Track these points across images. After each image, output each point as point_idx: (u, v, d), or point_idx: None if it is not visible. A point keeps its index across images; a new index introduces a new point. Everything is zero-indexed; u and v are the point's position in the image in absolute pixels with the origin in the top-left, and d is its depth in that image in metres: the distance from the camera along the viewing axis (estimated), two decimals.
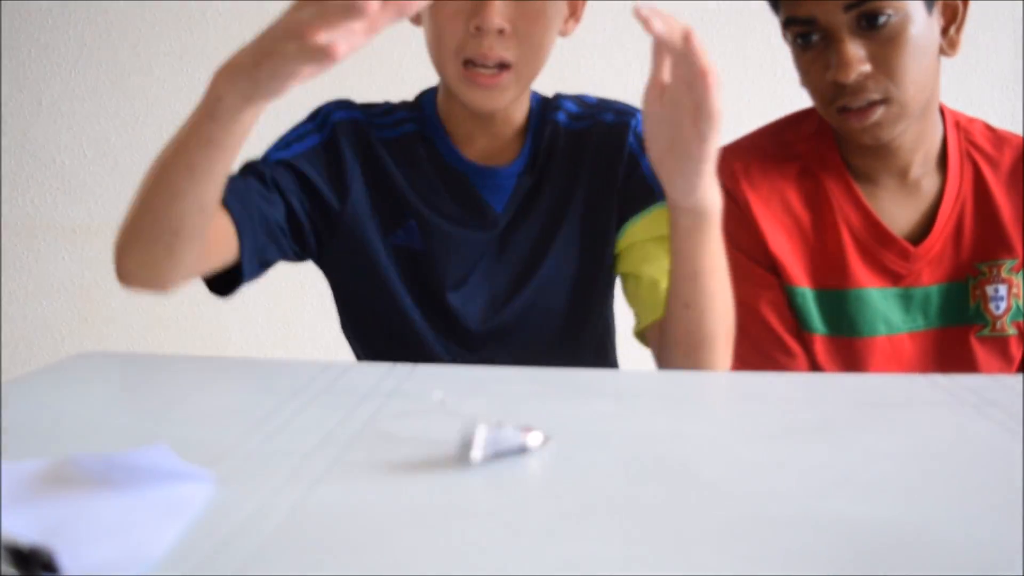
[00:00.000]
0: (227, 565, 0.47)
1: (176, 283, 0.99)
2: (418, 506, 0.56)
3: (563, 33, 1.20)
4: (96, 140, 2.53)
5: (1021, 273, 1.28)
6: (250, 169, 1.14)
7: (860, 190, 1.28)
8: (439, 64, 1.17)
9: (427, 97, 1.27)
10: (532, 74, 1.17)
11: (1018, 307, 1.28)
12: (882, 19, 1.15)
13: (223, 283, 1.08)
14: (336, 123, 1.21)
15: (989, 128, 1.34)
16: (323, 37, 0.77)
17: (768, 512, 0.56)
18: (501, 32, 1.11)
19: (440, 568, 0.48)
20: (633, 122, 1.24)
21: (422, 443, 0.68)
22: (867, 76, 1.16)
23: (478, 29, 1.10)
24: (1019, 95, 2.51)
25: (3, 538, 0.45)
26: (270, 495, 0.57)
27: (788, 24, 1.21)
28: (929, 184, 1.29)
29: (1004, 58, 2.51)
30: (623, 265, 1.22)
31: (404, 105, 1.27)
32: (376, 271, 1.20)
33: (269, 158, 1.17)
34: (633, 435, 0.70)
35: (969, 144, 1.30)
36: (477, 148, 1.22)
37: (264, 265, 1.12)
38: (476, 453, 0.63)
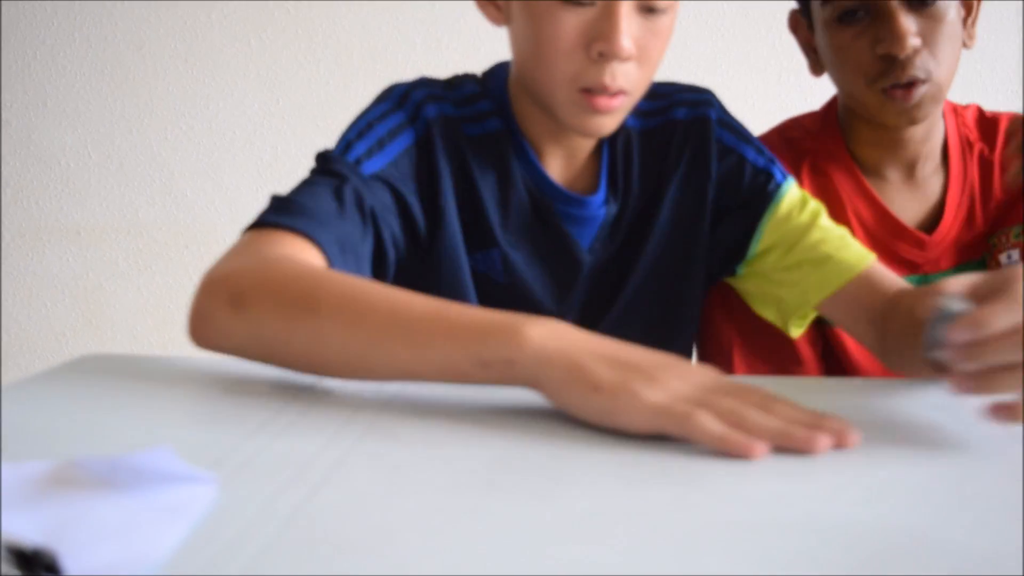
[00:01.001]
0: (230, 567, 0.47)
1: None
2: (422, 508, 0.56)
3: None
4: (100, 142, 2.53)
5: None
6: (345, 182, 0.99)
7: (869, 184, 1.29)
8: (542, 85, 1.03)
9: (497, 81, 1.13)
10: (643, 92, 1.06)
11: None
12: None
13: None
14: (430, 120, 1.07)
15: (981, 112, 1.36)
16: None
17: (771, 515, 0.56)
18: (629, 59, 0.98)
19: (444, 570, 0.47)
20: (712, 112, 1.15)
21: (426, 445, 0.68)
22: (917, 51, 1.17)
23: (602, 55, 0.97)
24: (1019, 92, 2.52)
25: (5, 539, 0.45)
26: (273, 498, 0.57)
27: None
28: (934, 178, 1.30)
29: (1009, 61, 2.51)
30: (778, 262, 1.13)
31: (483, 90, 1.12)
32: (457, 293, 1.08)
33: (362, 165, 1.02)
34: (631, 438, 0.70)
35: (966, 130, 1.32)
36: (557, 162, 1.12)
37: None
38: None
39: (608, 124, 1.03)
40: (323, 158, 1.04)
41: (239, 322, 0.82)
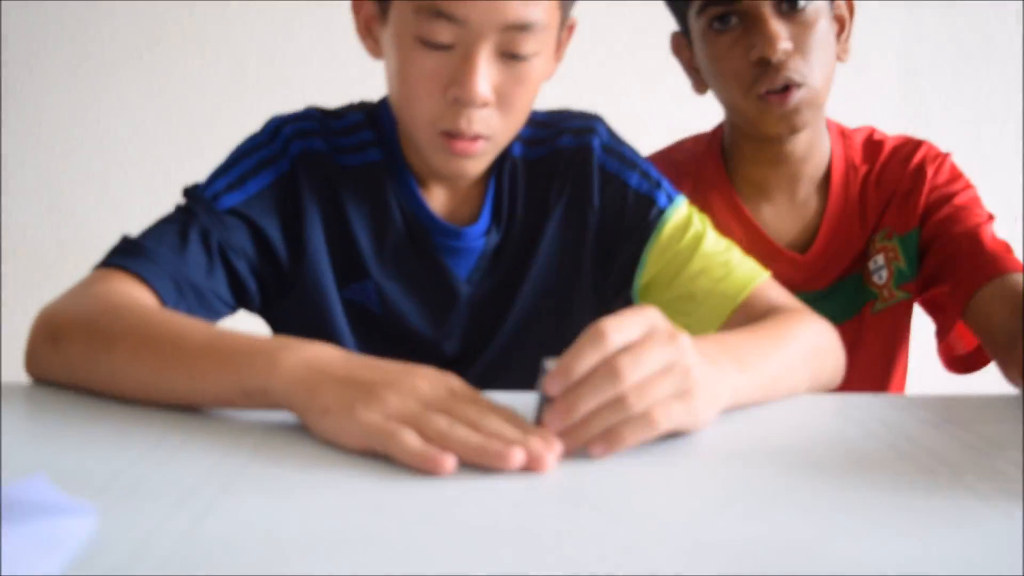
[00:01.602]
0: None
1: None
2: (308, 535, 0.55)
3: (545, 77, 1.07)
4: None
5: (894, 238, 1.32)
6: (193, 220, 1.02)
7: (745, 206, 1.32)
8: (406, 123, 1.05)
9: (387, 111, 1.12)
10: (511, 137, 1.06)
11: (900, 270, 1.32)
12: (801, 3, 1.20)
13: None
14: (296, 156, 1.08)
15: (870, 135, 1.39)
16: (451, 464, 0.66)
17: (662, 532, 0.56)
18: (485, 105, 0.98)
19: None
20: (596, 140, 1.14)
21: (314, 470, 0.67)
22: (789, 55, 1.20)
23: (457, 100, 0.97)
24: (903, 119, 2.59)
25: None
26: (156, 527, 0.55)
27: (707, 6, 1.24)
28: (816, 198, 1.34)
29: (891, 83, 2.58)
30: (662, 294, 1.13)
31: (367, 119, 1.13)
32: (326, 324, 1.10)
33: (218, 201, 1.04)
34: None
35: (852, 152, 1.36)
36: (440, 192, 1.12)
37: None
38: None
39: (471, 167, 1.03)
40: (186, 192, 1.07)
41: (55, 356, 0.89)
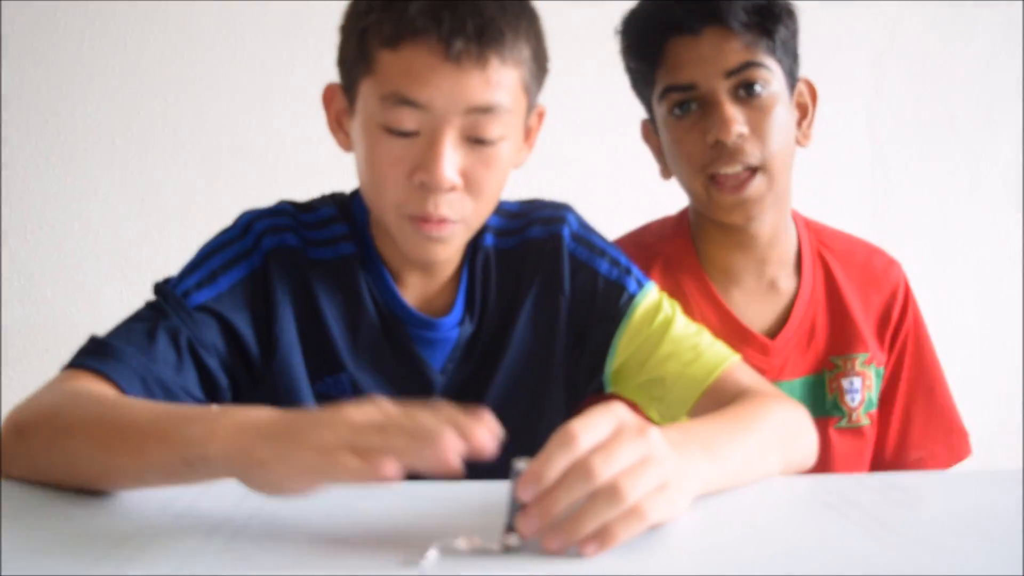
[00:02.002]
0: None
1: None
2: None
3: (516, 165, 1.07)
4: None
5: (872, 366, 1.34)
6: (162, 317, 1.02)
7: (716, 289, 1.33)
8: (376, 210, 1.06)
9: (359, 203, 1.13)
10: (481, 221, 1.07)
11: (870, 399, 1.34)
12: (757, 87, 1.23)
13: None
14: (268, 252, 1.08)
15: (838, 232, 1.43)
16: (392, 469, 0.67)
17: None
18: (452, 189, 0.99)
19: None
20: (566, 229, 1.16)
21: (282, 568, 0.66)
22: (745, 139, 1.22)
23: (423, 185, 0.98)
24: (872, 197, 2.62)
25: None
26: None
27: (665, 93, 1.26)
28: (786, 284, 1.35)
29: (859, 162, 2.62)
30: (633, 379, 1.14)
31: (340, 212, 1.13)
32: None
33: (189, 298, 1.04)
34: (491, 549, 0.69)
35: (821, 245, 1.38)
36: (414, 284, 1.12)
37: None
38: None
39: (441, 251, 1.04)
40: (156, 288, 1.07)
41: (20, 450, 0.88)
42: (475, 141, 0.99)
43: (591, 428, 0.71)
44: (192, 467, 0.76)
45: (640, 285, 1.15)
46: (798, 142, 1.32)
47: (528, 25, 1.02)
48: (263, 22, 2.47)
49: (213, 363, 1.04)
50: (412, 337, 1.11)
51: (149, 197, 2.48)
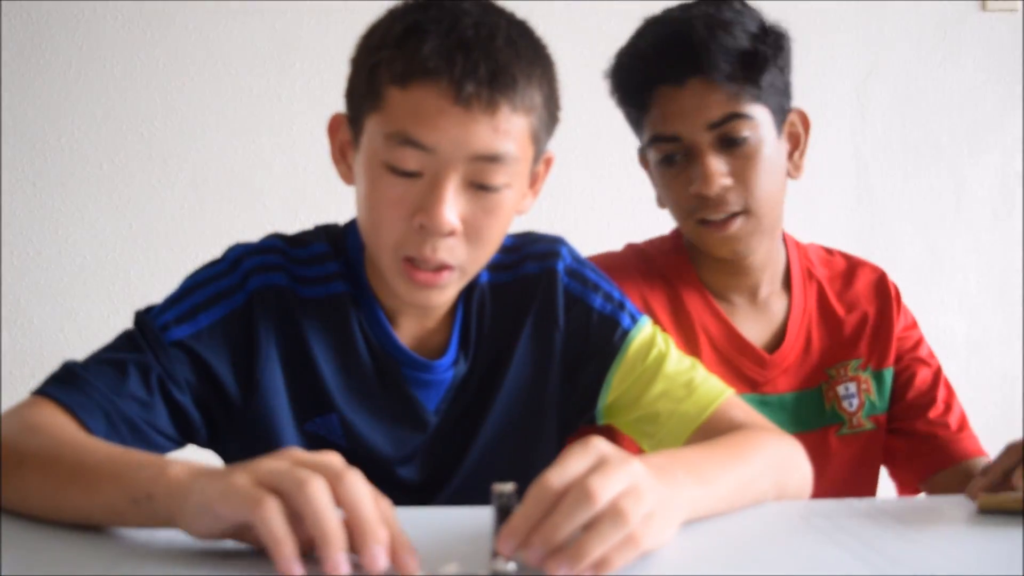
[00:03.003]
0: None
1: None
2: None
3: (519, 212, 1.05)
4: None
5: (868, 370, 1.35)
6: (136, 351, 1.00)
7: (717, 304, 1.34)
8: (372, 248, 1.03)
9: (354, 238, 1.10)
10: (479, 268, 1.05)
11: (871, 402, 1.35)
12: (741, 139, 1.22)
13: None
14: (254, 291, 1.04)
15: (822, 248, 1.45)
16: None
17: None
18: (451, 233, 0.97)
19: None
20: (560, 264, 1.14)
21: None
22: (728, 189, 1.23)
23: (423, 228, 0.96)
24: (858, 218, 2.64)
25: None
26: None
27: (652, 142, 1.27)
28: (777, 303, 1.37)
29: (845, 180, 2.63)
30: (626, 414, 1.13)
31: (333, 250, 1.10)
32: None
33: (166, 333, 1.01)
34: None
35: (808, 263, 1.40)
36: (408, 323, 1.09)
37: None
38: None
39: (436, 298, 1.02)
40: (137, 317, 1.04)
41: None
42: (478, 187, 0.97)
43: (568, 468, 0.70)
44: (138, 505, 0.75)
45: (634, 320, 1.14)
46: (789, 174, 1.32)
47: (542, 72, 1.00)
48: (251, 48, 2.48)
49: (185, 400, 1.01)
50: (407, 378, 1.08)
51: (136, 222, 2.47)
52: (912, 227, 2.65)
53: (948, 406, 1.39)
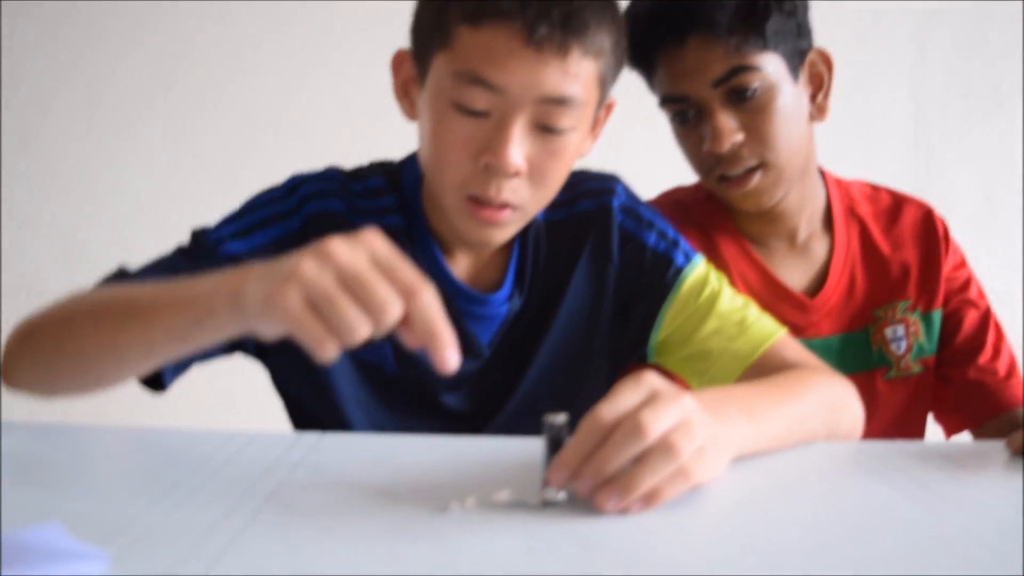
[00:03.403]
0: None
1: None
2: None
3: (580, 155, 1.05)
4: (1, 204, 2.48)
5: (917, 312, 1.33)
6: (187, 260, 1.01)
7: (754, 250, 1.33)
8: (434, 187, 1.03)
9: (410, 174, 1.11)
10: (540, 208, 1.05)
11: (920, 345, 1.33)
12: (749, 92, 1.20)
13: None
14: (310, 216, 1.06)
15: (867, 184, 1.41)
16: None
17: None
18: (516, 174, 0.97)
19: None
20: (615, 201, 1.14)
21: (327, 517, 0.67)
22: (741, 144, 1.21)
23: (488, 167, 0.97)
24: (915, 162, 2.60)
25: None
26: (167, 572, 0.55)
27: (664, 102, 1.26)
28: (818, 245, 1.35)
29: (901, 127, 2.59)
30: (677, 352, 1.13)
31: (389, 184, 1.11)
32: (331, 387, 1.08)
33: (221, 246, 1.03)
34: (539, 505, 0.70)
35: (851, 201, 1.37)
36: (464, 258, 1.10)
37: (186, 368, 1.03)
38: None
39: (496, 236, 1.02)
40: (193, 234, 1.06)
41: (28, 351, 0.90)
42: (544, 129, 0.97)
43: (619, 403, 0.71)
44: (200, 324, 0.75)
45: (688, 258, 1.14)
46: (813, 117, 1.29)
47: (612, 17, 1.00)
48: None
49: None
50: (461, 312, 1.09)
51: (191, 156, 2.49)
52: (969, 174, 2.61)
53: (997, 351, 1.36)
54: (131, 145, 2.49)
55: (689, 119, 1.24)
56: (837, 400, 1.01)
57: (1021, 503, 0.74)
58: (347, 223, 1.06)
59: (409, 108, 1.06)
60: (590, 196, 1.14)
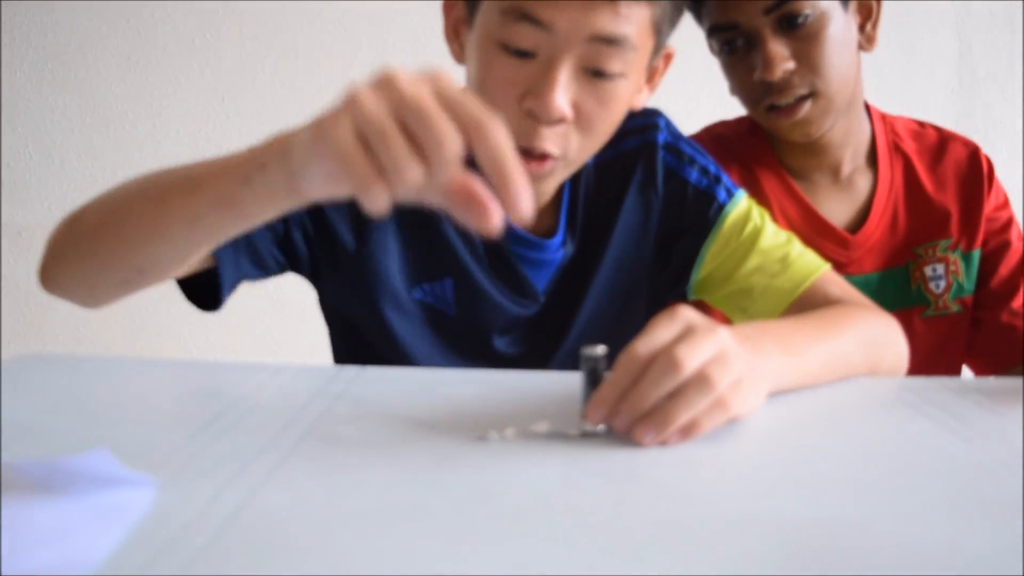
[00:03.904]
0: (167, 568, 0.47)
1: (113, 303, 0.89)
2: (361, 510, 0.56)
3: (633, 107, 1.03)
4: (41, 141, 2.50)
5: (958, 252, 1.32)
6: None
7: (796, 185, 1.32)
8: None
9: None
10: (586, 159, 1.02)
11: (959, 284, 1.33)
12: (800, 19, 1.19)
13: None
14: None
15: (913, 121, 1.40)
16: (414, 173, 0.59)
17: (712, 511, 0.56)
18: (561, 120, 0.93)
19: (385, 569, 0.47)
20: (660, 136, 1.12)
21: (367, 447, 0.68)
22: (792, 72, 1.21)
23: (531, 113, 0.93)
24: (959, 97, 2.56)
25: None
26: (211, 499, 0.56)
27: (712, 32, 1.25)
28: (862, 180, 1.34)
29: (947, 62, 2.55)
30: (718, 289, 1.12)
31: None
32: (386, 324, 1.06)
33: None
34: (574, 435, 0.71)
35: (896, 136, 1.36)
36: None
37: (242, 281, 1.01)
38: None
39: (538, 188, 0.99)
40: None
41: (72, 238, 0.86)
42: (593, 73, 0.93)
43: (655, 337, 0.71)
44: (250, 183, 0.70)
45: (730, 194, 1.12)
46: (862, 47, 1.28)
47: None
48: None
49: (297, 235, 1.02)
50: (518, 256, 1.08)
51: (228, 97, 2.50)
52: (1015, 111, 2.56)
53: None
54: (169, 82, 2.50)
55: (738, 48, 1.23)
56: (880, 336, 1.00)
57: None
58: None
59: (458, 51, 1.04)
60: (635, 133, 1.12)
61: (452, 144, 0.58)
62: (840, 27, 1.22)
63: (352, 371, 0.91)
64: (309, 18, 2.48)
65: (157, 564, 0.47)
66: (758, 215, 1.13)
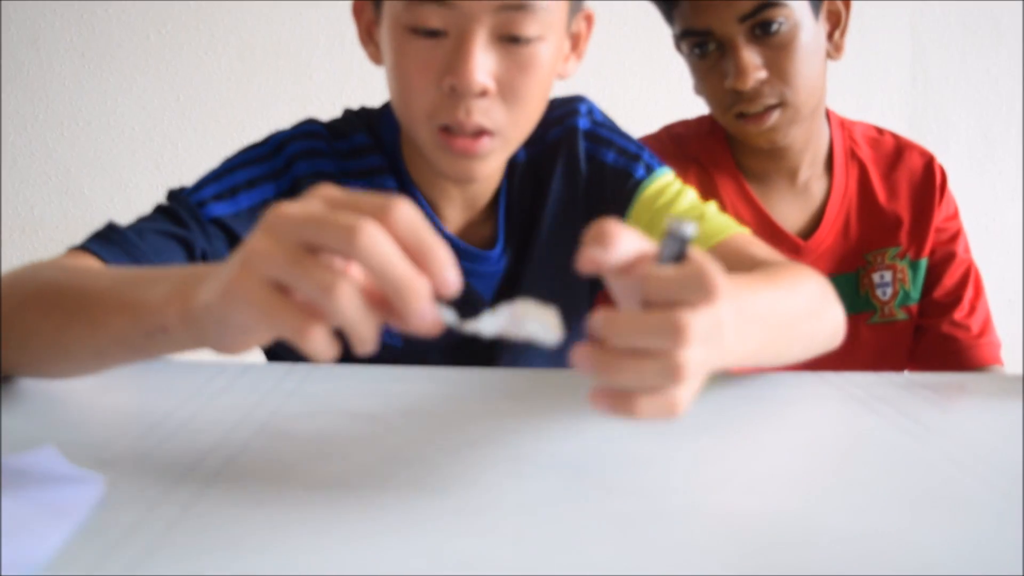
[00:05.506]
0: (115, 567, 0.47)
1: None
2: (313, 506, 0.56)
3: (561, 75, 1.00)
4: None
5: (906, 260, 1.34)
6: (176, 223, 0.95)
7: (751, 189, 1.33)
8: (405, 119, 0.97)
9: (389, 130, 1.06)
10: (522, 135, 0.98)
11: (905, 292, 1.35)
12: (775, 26, 1.20)
13: None
14: (299, 176, 1.00)
15: (872, 127, 1.42)
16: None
17: (660, 506, 0.57)
18: (484, 93, 0.91)
19: (334, 568, 0.48)
20: (580, 122, 1.10)
21: (319, 443, 0.68)
22: (763, 82, 1.21)
23: (453, 90, 0.91)
24: (912, 97, 2.59)
25: None
26: (160, 497, 0.56)
27: (683, 35, 1.25)
28: (817, 186, 1.36)
29: (900, 62, 2.58)
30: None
31: (374, 142, 1.06)
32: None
33: (204, 208, 0.97)
34: (523, 431, 0.71)
35: (853, 143, 1.38)
36: (455, 214, 1.07)
37: None
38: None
39: (477, 168, 0.96)
40: (170, 195, 0.99)
41: None
42: (509, 40, 0.91)
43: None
44: (152, 338, 0.64)
45: (649, 170, 1.08)
46: (829, 55, 1.30)
47: None
48: None
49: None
50: (463, 271, 1.02)
51: (184, 93, 2.48)
52: (967, 111, 2.60)
53: (973, 308, 1.38)
54: (123, 78, 2.48)
55: (709, 53, 1.23)
56: (822, 293, 0.93)
57: (1004, 430, 0.75)
58: (339, 184, 1.02)
59: (375, 52, 1.02)
60: (556, 123, 1.10)
61: (367, 230, 0.51)
62: (811, 36, 1.23)
63: (305, 368, 0.91)
64: (266, 15, 2.47)
65: (105, 562, 0.47)
66: (680, 187, 1.08)
